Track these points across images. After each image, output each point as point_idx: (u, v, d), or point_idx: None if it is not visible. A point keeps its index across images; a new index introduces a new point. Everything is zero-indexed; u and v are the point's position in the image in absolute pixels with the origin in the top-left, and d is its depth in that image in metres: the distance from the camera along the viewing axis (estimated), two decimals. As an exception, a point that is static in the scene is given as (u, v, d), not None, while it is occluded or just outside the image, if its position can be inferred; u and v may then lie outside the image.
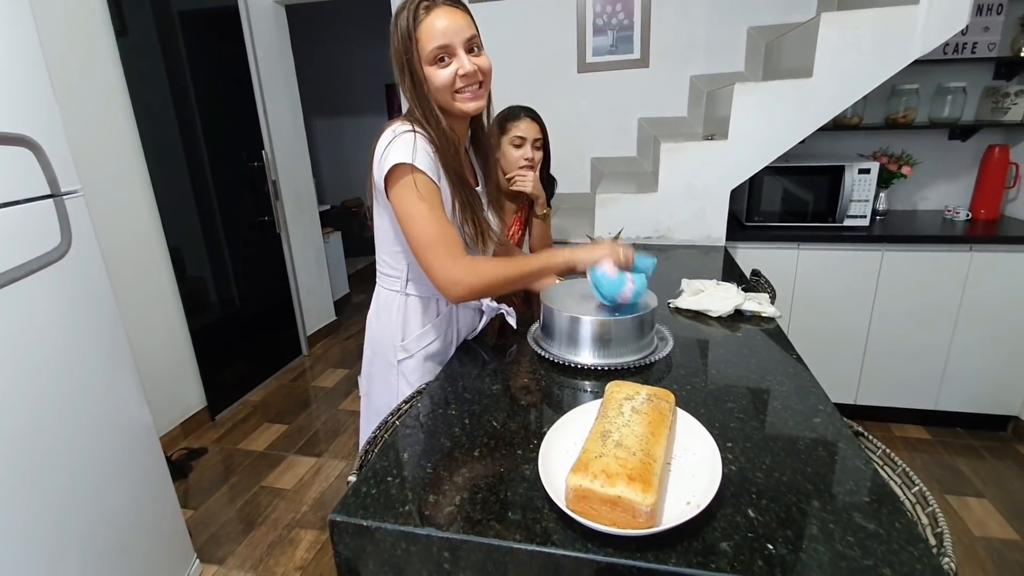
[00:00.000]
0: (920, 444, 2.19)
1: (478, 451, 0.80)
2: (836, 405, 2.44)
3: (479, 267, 0.99)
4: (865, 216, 2.17)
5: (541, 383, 1.02)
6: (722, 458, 0.74)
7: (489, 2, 2.71)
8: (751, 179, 2.22)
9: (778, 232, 2.22)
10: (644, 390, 0.81)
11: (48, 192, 1.25)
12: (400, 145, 0.96)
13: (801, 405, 0.90)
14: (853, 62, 1.74)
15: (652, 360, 1.06)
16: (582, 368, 1.04)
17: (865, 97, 2.24)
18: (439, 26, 0.96)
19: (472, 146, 1.18)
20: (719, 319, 1.28)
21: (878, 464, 0.82)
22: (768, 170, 2.21)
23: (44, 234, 1.24)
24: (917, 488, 0.75)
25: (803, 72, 1.83)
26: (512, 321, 1.21)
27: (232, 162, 2.86)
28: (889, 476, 0.79)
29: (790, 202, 2.25)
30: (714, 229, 2.01)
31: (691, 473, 0.71)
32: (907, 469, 0.77)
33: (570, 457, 0.71)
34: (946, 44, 2.11)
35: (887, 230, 2.20)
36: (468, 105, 1.03)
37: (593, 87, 2.73)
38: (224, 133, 2.80)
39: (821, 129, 2.36)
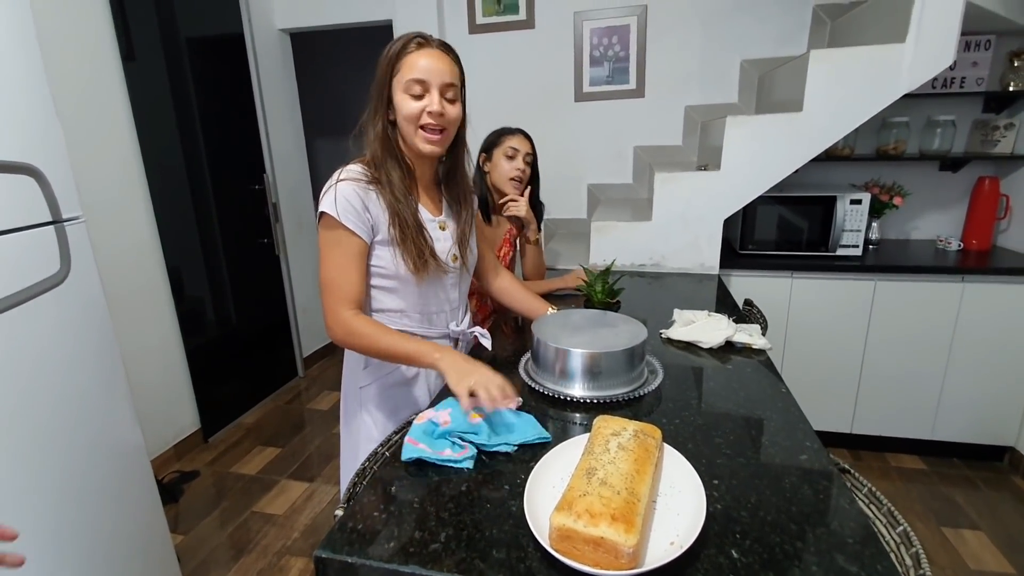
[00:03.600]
0: (916, 474, 2.18)
1: (465, 486, 0.81)
2: (831, 434, 2.44)
3: (354, 326, 1.04)
4: (858, 246, 2.20)
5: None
6: (708, 496, 0.75)
7: (490, 33, 2.78)
8: (745, 208, 2.25)
9: (772, 260, 2.24)
10: (631, 426, 0.82)
11: (49, 219, 1.27)
12: (329, 195, 1.04)
13: (788, 441, 0.91)
14: (842, 97, 1.78)
15: (642, 393, 1.07)
16: (572, 401, 1.05)
17: (856, 129, 2.29)
18: (423, 62, 1.02)
19: (445, 183, 1.21)
20: (710, 350, 1.29)
21: (863, 502, 0.82)
22: (761, 199, 2.23)
23: (44, 260, 1.26)
24: (901, 528, 0.75)
25: (794, 106, 1.87)
26: (487, 343, 1.23)
27: (233, 185, 2.89)
28: (874, 515, 0.80)
29: (784, 231, 2.27)
30: (708, 258, 2.03)
31: (676, 511, 0.71)
32: (892, 508, 0.78)
33: (556, 493, 0.71)
34: (935, 79, 2.16)
35: (880, 260, 2.22)
36: (425, 146, 1.07)
37: (590, 115, 2.78)
38: (226, 156, 2.84)
39: (814, 160, 2.40)
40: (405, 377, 1.21)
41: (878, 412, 2.26)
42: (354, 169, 1.07)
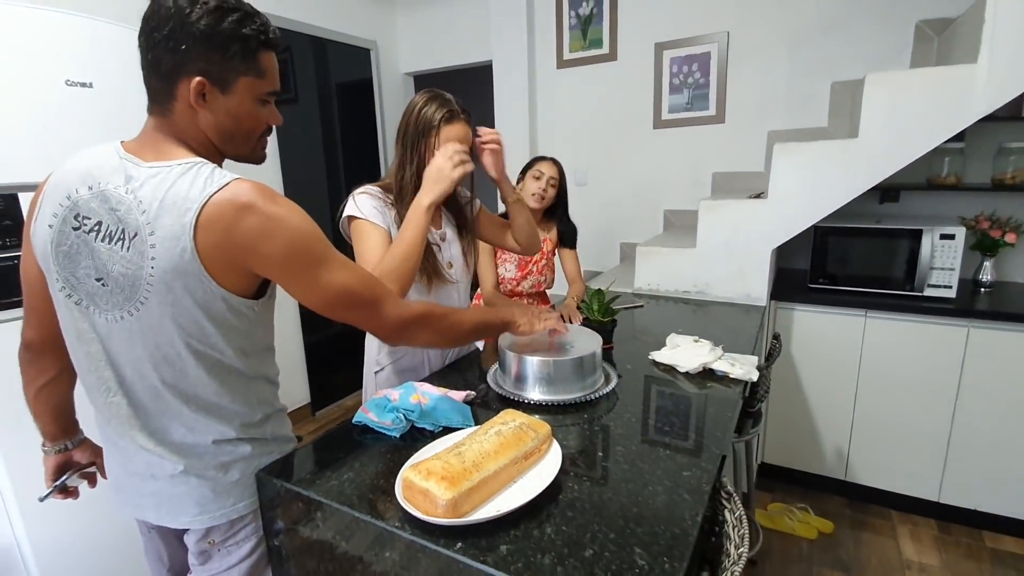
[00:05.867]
0: (1011, 559, 1.82)
1: (386, 447, 1.00)
2: (914, 500, 2.32)
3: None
4: (950, 286, 1.93)
5: (492, 414, 1.16)
6: (567, 487, 0.86)
7: (576, 67, 2.97)
8: (816, 238, 2.13)
9: (844, 297, 2.07)
10: (521, 419, 0.95)
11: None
12: (349, 204, 1.27)
13: (686, 459, 0.95)
14: (904, 123, 1.63)
15: (582, 399, 1.16)
16: (531, 403, 1.15)
17: (963, 154, 2.05)
18: (456, 135, 1.25)
19: (445, 205, 1.42)
20: (687, 375, 1.32)
21: (732, 525, 0.85)
22: (835, 230, 2.09)
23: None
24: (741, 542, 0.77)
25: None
26: (479, 343, 1.40)
27: (355, 203, 3.46)
28: (727, 531, 0.82)
29: (860, 265, 2.08)
30: (754, 288, 1.96)
31: (523, 491, 0.83)
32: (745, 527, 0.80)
33: (431, 460, 0.87)
34: (1055, 99, 1.84)
35: (992, 304, 1.92)
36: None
37: (668, 142, 2.80)
38: (354, 178, 3.42)
39: (917, 189, 2.19)
40: (413, 363, 1.42)
41: (972, 482, 1.94)
42: (371, 187, 1.31)
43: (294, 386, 3.07)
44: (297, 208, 0.81)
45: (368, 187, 1.32)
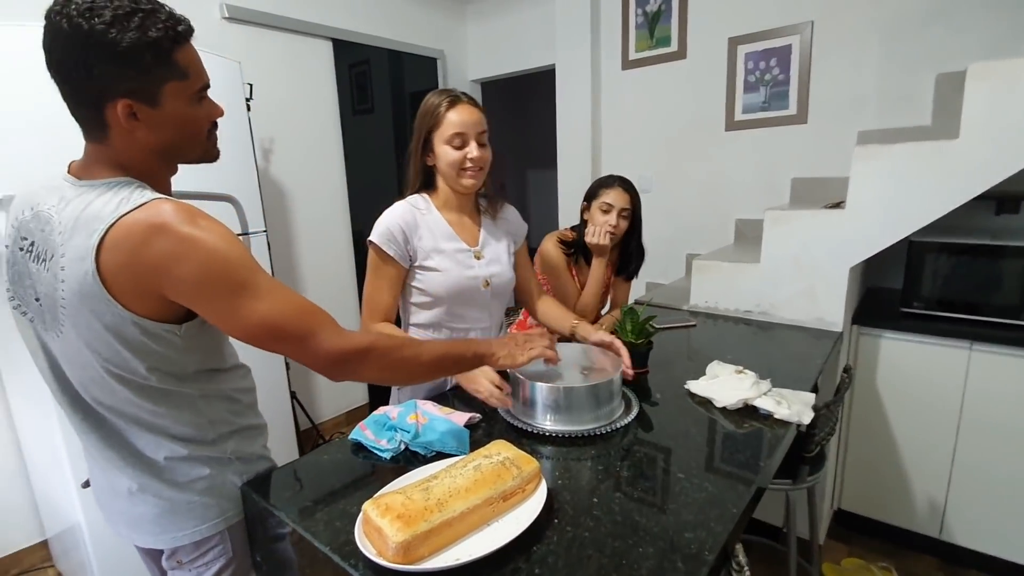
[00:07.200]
0: None
1: (373, 468, 0.96)
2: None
3: (383, 332, 1.09)
4: (1084, 318, 1.58)
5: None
6: (546, 537, 0.77)
7: (642, 67, 2.81)
8: (911, 257, 1.85)
9: (944, 325, 1.77)
10: (506, 452, 0.87)
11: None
12: (377, 226, 1.26)
13: (695, 516, 0.82)
14: (1013, 122, 1.34)
15: (599, 432, 1.05)
16: (536, 433, 1.07)
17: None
18: (460, 117, 1.22)
19: (490, 216, 1.39)
20: (724, 410, 1.17)
21: (736, 603, 0.71)
22: (934, 246, 1.80)
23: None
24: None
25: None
26: None
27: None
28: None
29: (965, 288, 1.77)
30: (828, 312, 1.72)
31: (492, 538, 0.75)
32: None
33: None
34: None
35: None
36: (468, 182, 1.27)
37: (742, 145, 2.57)
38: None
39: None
40: (433, 384, 1.38)
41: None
42: (404, 202, 1.31)
43: (353, 386, 3.17)
44: (221, 230, 0.74)
45: (412, 199, 1.32)
